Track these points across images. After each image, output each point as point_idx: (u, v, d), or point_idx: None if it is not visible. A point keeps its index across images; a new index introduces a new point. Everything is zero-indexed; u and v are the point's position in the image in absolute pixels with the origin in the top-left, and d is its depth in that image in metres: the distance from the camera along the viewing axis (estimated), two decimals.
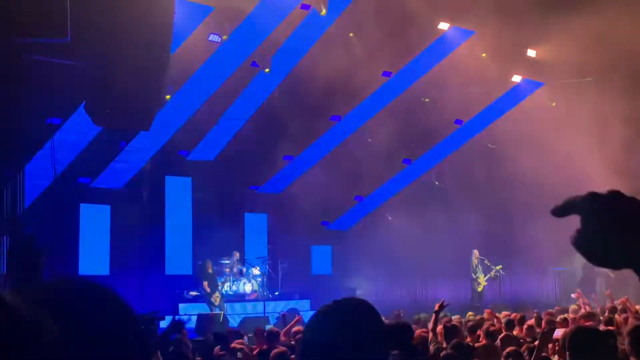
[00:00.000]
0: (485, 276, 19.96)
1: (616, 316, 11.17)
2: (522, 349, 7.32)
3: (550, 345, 7.68)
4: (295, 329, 10.00)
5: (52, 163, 14.83)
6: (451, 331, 8.24)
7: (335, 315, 2.04)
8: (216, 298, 17.17)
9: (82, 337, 1.10)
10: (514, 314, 11.11)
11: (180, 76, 16.68)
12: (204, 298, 17.51)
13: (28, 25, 11.70)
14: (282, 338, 9.68)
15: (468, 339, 8.74)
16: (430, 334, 8.33)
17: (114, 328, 1.16)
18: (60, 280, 1.23)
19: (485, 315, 12.10)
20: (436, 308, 8.37)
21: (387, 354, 2.11)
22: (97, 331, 1.13)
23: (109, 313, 1.18)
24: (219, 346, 8.86)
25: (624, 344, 6.14)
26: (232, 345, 8.68)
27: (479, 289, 19.83)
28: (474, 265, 19.99)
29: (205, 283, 17.20)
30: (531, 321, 10.63)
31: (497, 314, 11.79)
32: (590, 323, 8.96)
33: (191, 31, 16.16)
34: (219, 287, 17.79)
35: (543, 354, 6.75)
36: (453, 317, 11.85)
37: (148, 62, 12.90)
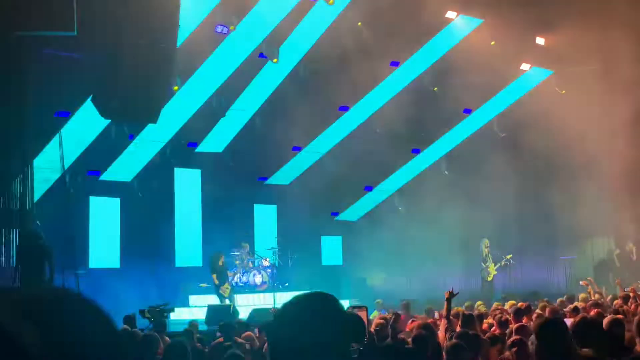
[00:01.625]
0: (495, 265, 19.91)
1: (629, 303, 11.15)
2: None
3: None
4: None
5: (60, 156, 14.90)
6: (468, 320, 8.24)
7: (301, 311, 2.02)
8: (225, 290, 17.21)
9: (61, 346, 1.13)
10: (520, 303, 11.07)
11: (188, 68, 16.68)
12: (214, 290, 17.55)
13: (35, 19, 11.75)
14: None
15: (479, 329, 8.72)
16: (445, 322, 8.31)
17: (93, 339, 1.18)
18: (41, 291, 1.26)
19: (494, 305, 12.07)
20: (446, 296, 8.34)
21: (350, 347, 2.10)
22: (77, 341, 1.15)
23: (89, 323, 1.19)
24: (222, 337, 8.86)
25: (631, 330, 6.13)
26: (239, 340, 8.65)
27: (489, 279, 19.77)
28: (484, 254, 19.94)
29: (214, 276, 17.24)
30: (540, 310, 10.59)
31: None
32: (599, 311, 8.93)
33: (198, 23, 16.14)
34: (229, 279, 17.82)
35: None
36: (462, 306, 11.82)
37: (155, 54, 12.92)
